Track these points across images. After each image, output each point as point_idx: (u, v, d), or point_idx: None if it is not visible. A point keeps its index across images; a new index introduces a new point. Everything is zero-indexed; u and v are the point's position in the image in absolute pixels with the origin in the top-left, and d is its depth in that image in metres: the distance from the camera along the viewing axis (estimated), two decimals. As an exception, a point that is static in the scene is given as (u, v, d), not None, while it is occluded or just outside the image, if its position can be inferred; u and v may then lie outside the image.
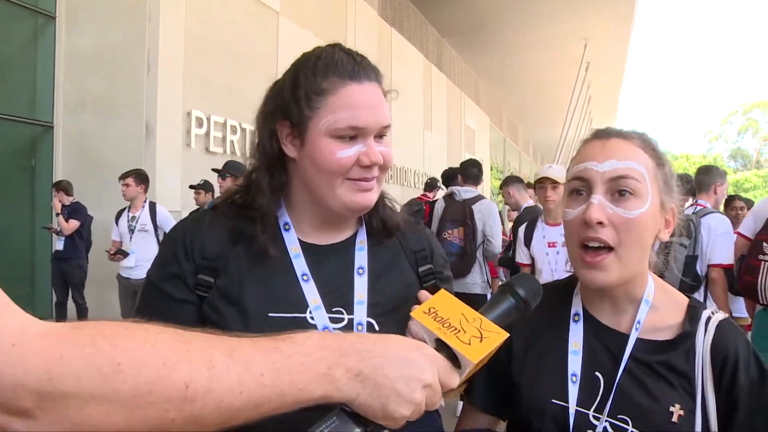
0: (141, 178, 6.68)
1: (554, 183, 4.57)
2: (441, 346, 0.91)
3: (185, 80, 8.03)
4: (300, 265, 1.27)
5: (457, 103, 20.36)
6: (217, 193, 6.78)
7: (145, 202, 6.74)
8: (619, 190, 1.20)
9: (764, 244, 4.14)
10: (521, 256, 4.96)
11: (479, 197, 6.02)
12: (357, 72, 1.24)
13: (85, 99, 7.93)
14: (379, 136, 1.26)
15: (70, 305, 7.34)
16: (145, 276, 1.32)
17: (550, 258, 4.64)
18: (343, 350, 0.81)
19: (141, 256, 6.56)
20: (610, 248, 1.20)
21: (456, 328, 0.92)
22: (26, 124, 8.01)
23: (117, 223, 6.81)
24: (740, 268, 4.30)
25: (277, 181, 1.30)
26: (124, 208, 6.83)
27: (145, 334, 0.71)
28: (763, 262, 4.08)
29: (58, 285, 7.40)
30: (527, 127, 34.93)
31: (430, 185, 9.11)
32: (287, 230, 1.31)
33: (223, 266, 1.24)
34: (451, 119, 19.40)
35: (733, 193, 7.99)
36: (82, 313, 7.22)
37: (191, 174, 7.59)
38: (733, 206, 7.47)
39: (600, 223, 1.18)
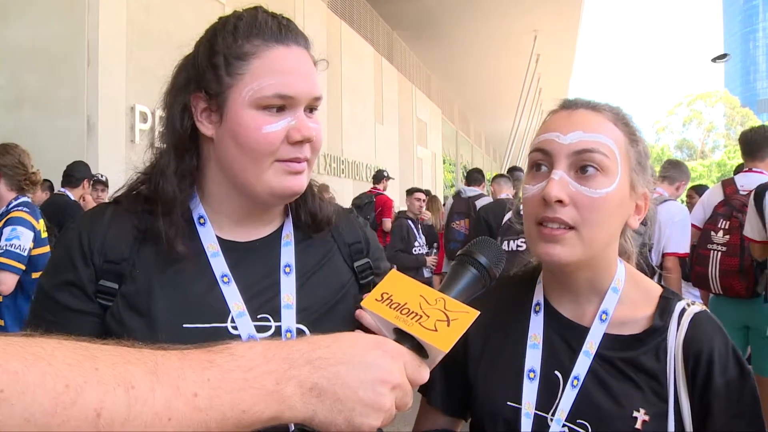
0: None
1: None
2: (402, 336, 0.77)
3: (128, 74, 7.69)
4: (219, 265, 1.11)
5: (409, 96, 20.23)
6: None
7: None
8: (584, 165, 1.05)
9: (712, 233, 4.17)
10: None
11: (481, 195, 7.52)
12: (284, 34, 1.10)
13: (23, 96, 7.52)
14: (310, 109, 1.11)
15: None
16: None
17: None
18: (293, 361, 0.69)
19: None
20: (570, 227, 1.05)
21: (417, 314, 0.78)
22: (-42, 124, 7.58)
23: None
24: (692, 259, 4.31)
25: (187, 166, 1.14)
26: None
27: (39, 350, 0.54)
28: (712, 251, 4.12)
29: None
30: (479, 120, 35.09)
31: (377, 177, 9.48)
32: (203, 224, 1.14)
33: (128, 270, 1.07)
34: (402, 112, 19.26)
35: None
36: None
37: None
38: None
39: (560, 201, 1.04)
